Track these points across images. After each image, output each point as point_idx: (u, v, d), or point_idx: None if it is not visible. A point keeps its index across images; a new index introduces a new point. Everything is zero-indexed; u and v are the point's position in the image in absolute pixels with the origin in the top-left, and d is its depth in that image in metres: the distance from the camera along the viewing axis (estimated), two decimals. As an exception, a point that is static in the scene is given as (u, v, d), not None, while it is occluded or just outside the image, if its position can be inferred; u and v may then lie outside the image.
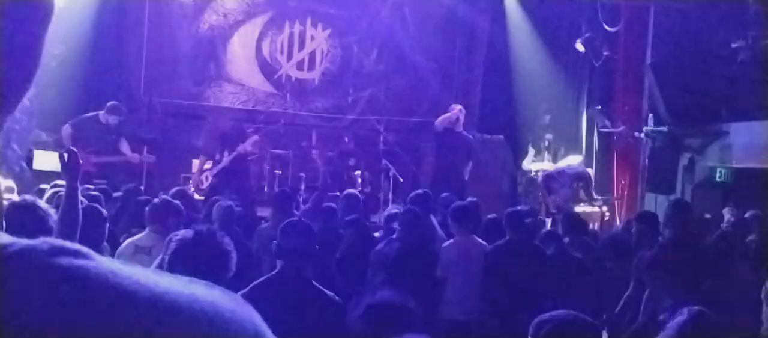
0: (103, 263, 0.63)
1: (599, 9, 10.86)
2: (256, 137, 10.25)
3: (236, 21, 12.95)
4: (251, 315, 0.66)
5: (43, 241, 0.63)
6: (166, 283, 0.63)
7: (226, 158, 9.77)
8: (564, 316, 2.73)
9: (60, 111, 10.78)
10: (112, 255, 5.01)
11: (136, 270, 0.64)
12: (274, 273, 4.01)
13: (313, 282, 3.97)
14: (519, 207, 7.70)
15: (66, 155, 3.90)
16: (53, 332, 0.57)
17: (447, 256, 6.05)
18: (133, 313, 0.59)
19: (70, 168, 3.86)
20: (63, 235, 3.60)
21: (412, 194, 7.26)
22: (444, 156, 10.65)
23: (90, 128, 9.78)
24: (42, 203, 3.77)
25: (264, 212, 9.45)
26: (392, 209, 7.70)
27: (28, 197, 3.81)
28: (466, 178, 10.56)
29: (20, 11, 0.71)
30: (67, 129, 9.75)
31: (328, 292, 3.98)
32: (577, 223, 6.96)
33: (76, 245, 0.63)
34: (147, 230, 5.35)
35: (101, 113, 9.83)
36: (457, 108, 10.60)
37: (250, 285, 3.81)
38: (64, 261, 0.61)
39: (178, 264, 2.99)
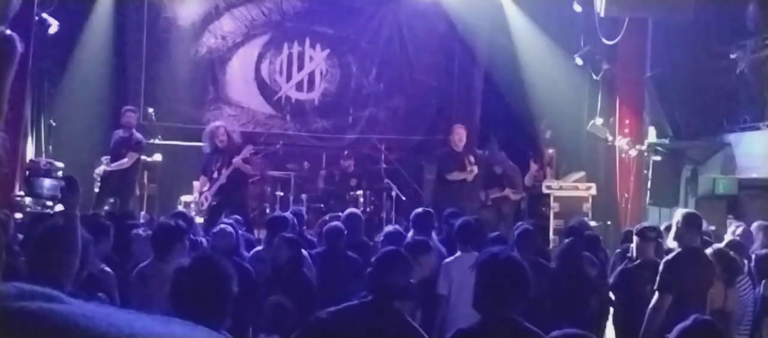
0: (75, 306, 0.62)
1: (597, 22, 10.83)
2: (250, 148, 10.18)
3: (235, 43, 12.96)
4: None
5: (12, 286, 0.62)
6: (141, 324, 0.62)
7: (223, 175, 9.73)
8: (573, 335, 2.68)
9: (57, 136, 10.76)
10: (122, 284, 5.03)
11: (112, 311, 0.63)
12: (365, 301, 3.69)
13: (407, 318, 3.73)
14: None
15: (64, 183, 3.87)
16: None
17: (450, 273, 5.94)
18: None
19: (68, 196, 3.81)
20: (62, 264, 3.55)
21: (415, 212, 7.19)
22: None
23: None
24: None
25: (263, 234, 9.37)
26: (390, 228, 7.63)
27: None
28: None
29: None
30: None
31: (420, 329, 3.75)
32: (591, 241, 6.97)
33: (47, 290, 0.63)
34: (152, 257, 5.27)
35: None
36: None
37: (338, 307, 3.61)
38: (34, 305, 0.60)
39: (180, 291, 2.95)
